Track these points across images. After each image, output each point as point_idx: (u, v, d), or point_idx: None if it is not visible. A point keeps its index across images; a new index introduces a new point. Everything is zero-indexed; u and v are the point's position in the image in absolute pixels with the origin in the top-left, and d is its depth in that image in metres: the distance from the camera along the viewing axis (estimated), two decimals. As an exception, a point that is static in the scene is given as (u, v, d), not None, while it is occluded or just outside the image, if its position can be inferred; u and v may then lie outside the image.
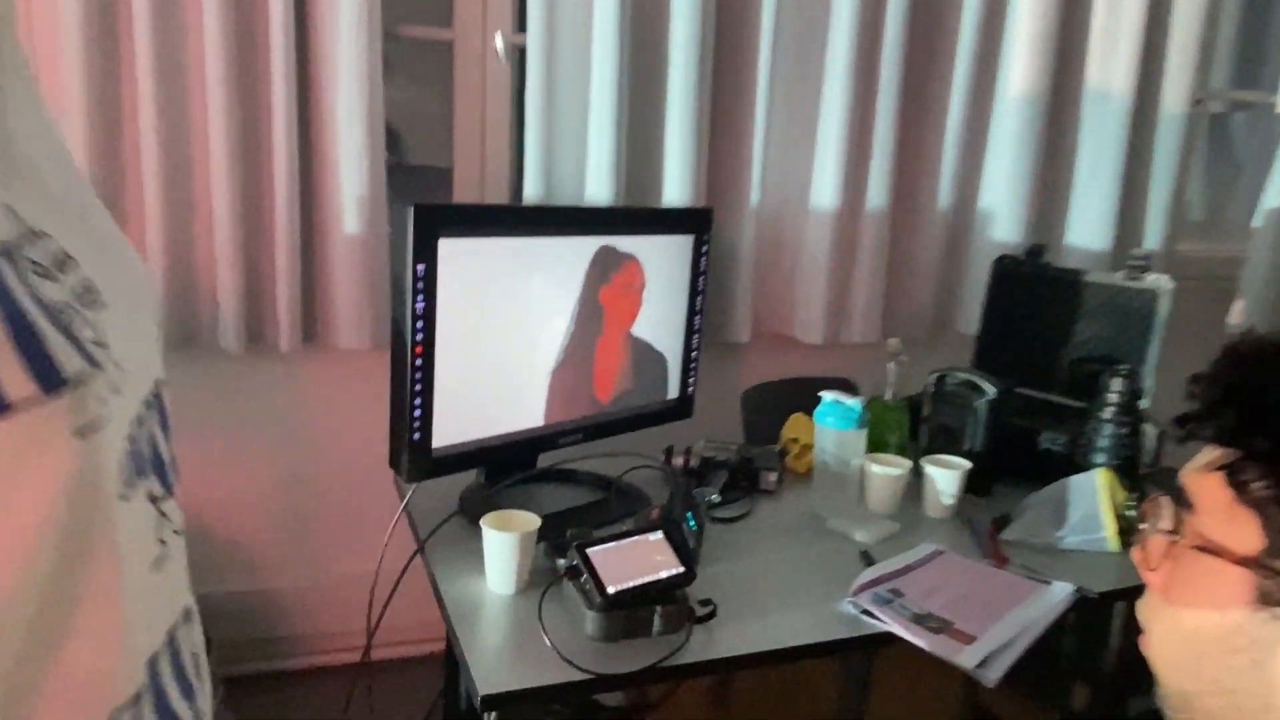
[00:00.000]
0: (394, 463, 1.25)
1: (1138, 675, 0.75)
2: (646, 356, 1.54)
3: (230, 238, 1.75)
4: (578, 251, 1.39)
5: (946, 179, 2.21)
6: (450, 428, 1.26)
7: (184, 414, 2.03)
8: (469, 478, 1.45)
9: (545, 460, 1.46)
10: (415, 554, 1.26)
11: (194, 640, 0.56)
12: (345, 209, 1.82)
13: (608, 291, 1.43)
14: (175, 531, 0.54)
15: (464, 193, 2.07)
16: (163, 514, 0.52)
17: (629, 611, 1.06)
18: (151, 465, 0.51)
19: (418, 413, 1.21)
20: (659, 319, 1.56)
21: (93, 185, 1.68)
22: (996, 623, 1.15)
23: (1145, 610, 0.65)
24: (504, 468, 1.38)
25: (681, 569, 1.12)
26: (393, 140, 1.93)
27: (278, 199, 1.77)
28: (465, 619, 1.11)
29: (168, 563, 0.52)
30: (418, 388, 1.20)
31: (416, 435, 1.22)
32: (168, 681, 0.51)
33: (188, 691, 0.53)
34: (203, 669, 0.55)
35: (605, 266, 1.42)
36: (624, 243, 1.45)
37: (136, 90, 1.68)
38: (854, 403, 1.46)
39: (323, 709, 1.65)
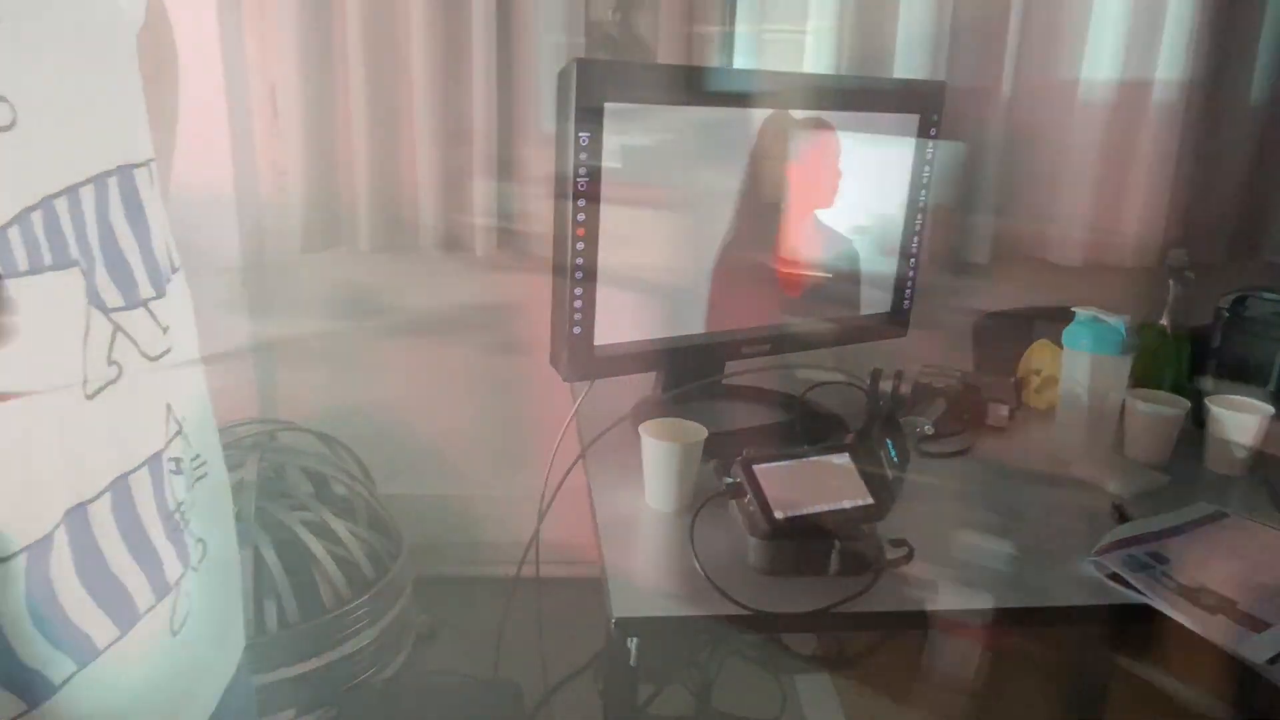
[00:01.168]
0: (554, 359, 1.14)
1: None
2: (839, 251, 1.30)
3: (431, 137, 1.73)
4: (771, 123, 1.18)
5: (1267, 57, 1.75)
6: (616, 323, 1.12)
7: (386, 314, 2.01)
8: (649, 389, 1.32)
9: (734, 373, 1.30)
10: (576, 460, 1.15)
11: (170, 496, 0.45)
12: (543, 107, 1.74)
13: (797, 169, 1.21)
14: (148, 356, 0.43)
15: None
16: (119, 329, 0.41)
17: (800, 543, 0.89)
18: (104, 263, 0.40)
19: (578, 303, 1.08)
20: (864, 212, 1.31)
21: (306, 100, 1.73)
22: (1303, 610, 0.87)
23: None
24: (682, 377, 1.23)
25: (870, 500, 0.92)
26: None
27: (475, 97, 1.72)
28: (614, 533, 0.98)
29: (118, 391, 0.41)
30: (578, 275, 1.06)
31: (577, 329, 1.09)
32: (106, 538, 0.40)
33: (143, 553, 0.42)
34: (190, 531, 0.43)
35: (796, 135, 1.20)
36: (827, 115, 1.22)
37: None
38: (1117, 321, 1.17)
39: (499, 619, 1.61)
